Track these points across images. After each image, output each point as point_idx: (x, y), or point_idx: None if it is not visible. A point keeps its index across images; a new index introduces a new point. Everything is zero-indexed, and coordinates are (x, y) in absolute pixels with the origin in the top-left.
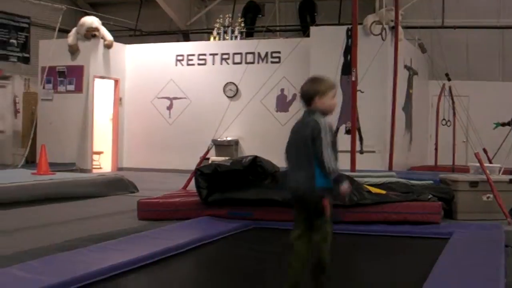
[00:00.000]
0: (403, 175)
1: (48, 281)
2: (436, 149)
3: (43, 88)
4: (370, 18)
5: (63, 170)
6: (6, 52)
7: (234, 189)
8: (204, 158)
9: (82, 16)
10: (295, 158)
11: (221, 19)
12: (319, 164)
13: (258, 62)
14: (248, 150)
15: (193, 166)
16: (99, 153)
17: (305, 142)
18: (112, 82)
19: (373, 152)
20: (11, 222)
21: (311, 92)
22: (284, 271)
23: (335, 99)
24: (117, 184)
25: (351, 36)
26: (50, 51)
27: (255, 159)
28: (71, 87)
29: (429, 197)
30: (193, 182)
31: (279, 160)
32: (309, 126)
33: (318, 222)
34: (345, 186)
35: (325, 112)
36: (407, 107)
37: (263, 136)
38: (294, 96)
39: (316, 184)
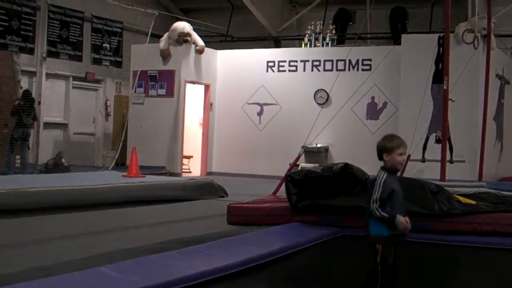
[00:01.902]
0: (493, 185)
1: (140, 282)
2: None
3: (134, 92)
4: (462, 26)
5: (153, 173)
6: (99, 56)
7: (324, 195)
8: (295, 164)
9: (174, 22)
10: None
11: (312, 26)
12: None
13: (349, 70)
14: (337, 157)
15: (282, 172)
16: (189, 157)
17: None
18: (203, 87)
19: (463, 162)
20: (102, 223)
21: (380, 148)
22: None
23: (403, 157)
24: (207, 188)
25: (442, 44)
26: (142, 56)
27: (346, 166)
28: (162, 92)
29: None
30: (283, 188)
31: (369, 168)
32: (372, 181)
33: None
34: (399, 220)
35: (392, 168)
36: (498, 116)
37: (353, 144)
38: (385, 104)
39: (371, 232)
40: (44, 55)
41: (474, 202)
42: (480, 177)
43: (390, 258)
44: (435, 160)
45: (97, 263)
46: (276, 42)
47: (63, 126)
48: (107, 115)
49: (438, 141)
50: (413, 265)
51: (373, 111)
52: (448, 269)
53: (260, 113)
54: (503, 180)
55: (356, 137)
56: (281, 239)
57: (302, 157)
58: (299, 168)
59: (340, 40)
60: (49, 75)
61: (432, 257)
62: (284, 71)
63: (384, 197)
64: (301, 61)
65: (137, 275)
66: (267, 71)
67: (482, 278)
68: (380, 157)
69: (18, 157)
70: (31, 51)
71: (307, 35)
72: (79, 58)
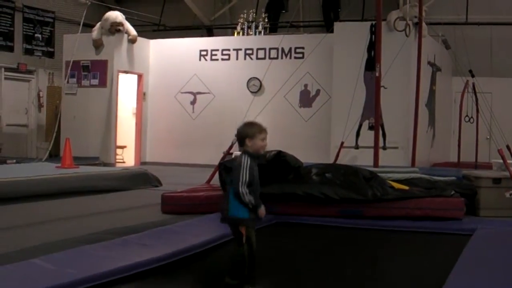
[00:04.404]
0: (426, 171)
1: (72, 274)
2: (459, 145)
3: (67, 82)
4: (393, 14)
5: (87, 164)
6: (31, 47)
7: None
8: (228, 153)
9: (107, 11)
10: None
11: (245, 15)
12: (236, 197)
13: (281, 58)
14: (271, 145)
15: (216, 161)
16: (122, 147)
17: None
18: (136, 76)
19: (396, 148)
20: (35, 215)
21: (242, 135)
22: (304, 265)
23: (265, 142)
24: (140, 178)
25: (374, 32)
26: (74, 46)
27: (279, 154)
28: (95, 82)
29: (452, 193)
30: (216, 176)
31: (302, 155)
32: (235, 165)
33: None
34: (261, 211)
35: (255, 152)
36: (430, 103)
37: (286, 131)
38: (318, 91)
39: (231, 214)
40: None
41: (407, 188)
42: (413, 163)
43: (253, 239)
44: (369, 147)
45: (30, 255)
46: (209, 31)
47: None
48: (40, 106)
49: (371, 127)
50: (347, 250)
51: (306, 98)
52: (381, 254)
53: (193, 102)
54: (435, 166)
55: (289, 125)
56: (215, 227)
57: (236, 145)
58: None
59: (272, 29)
60: None
61: (366, 243)
62: (217, 59)
63: (250, 182)
64: (234, 49)
65: (71, 267)
66: (200, 60)
67: (415, 261)
68: (242, 143)
69: None
70: None
71: (239, 23)
72: (10, 49)
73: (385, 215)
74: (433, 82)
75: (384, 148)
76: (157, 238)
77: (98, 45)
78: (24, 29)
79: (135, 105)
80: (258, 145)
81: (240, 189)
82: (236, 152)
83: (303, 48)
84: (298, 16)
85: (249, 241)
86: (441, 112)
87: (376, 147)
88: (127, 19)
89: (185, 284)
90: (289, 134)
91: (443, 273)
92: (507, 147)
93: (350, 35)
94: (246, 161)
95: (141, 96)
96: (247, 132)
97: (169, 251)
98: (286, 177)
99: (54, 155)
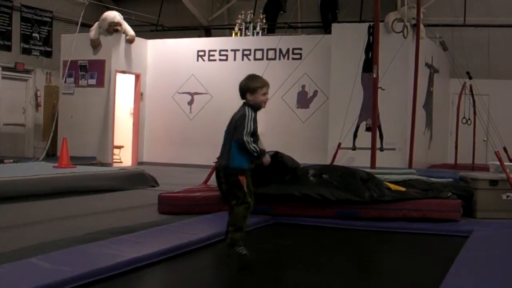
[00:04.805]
0: (423, 172)
1: (69, 272)
2: (456, 147)
3: (65, 82)
4: (391, 16)
5: (84, 163)
6: (28, 46)
7: (255, 184)
8: None
9: (105, 11)
10: (226, 140)
11: (243, 15)
12: (239, 147)
13: (279, 59)
14: (268, 146)
15: (213, 161)
16: (119, 147)
17: (234, 128)
18: (133, 77)
19: (393, 149)
20: (32, 215)
21: (244, 88)
22: (301, 265)
23: (266, 96)
24: (137, 178)
25: (372, 33)
26: (72, 45)
27: (277, 155)
28: (92, 81)
29: (449, 194)
30: (213, 177)
31: (299, 156)
32: (238, 116)
33: (237, 193)
34: (266, 158)
35: (255, 106)
36: (428, 105)
37: (284, 132)
38: (315, 92)
39: (234, 164)
40: None
41: (404, 189)
42: (410, 165)
43: (250, 184)
44: (366, 148)
45: (27, 254)
46: (207, 32)
47: None
48: (38, 105)
49: (368, 129)
50: (344, 251)
51: (304, 99)
52: (378, 255)
53: (190, 103)
54: (432, 167)
55: (287, 126)
56: (211, 227)
57: None
58: None
59: (270, 29)
60: None
61: (363, 244)
62: (215, 60)
63: (254, 132)
64: (232, 50)
65: (68, 265)
66: (197, 60)
67: (411, 262)
68: (243, 96)
69: None
70: None
71: (237, 24)
72: (8, 48)
73: (382, 217)
74: (430, 83)
75: (381, 149)
76: (153, 237)
77: (96, 45)
78: (22, 29)
79: (132, 105)
80: (259, 100)
81: (245, 138)
82: None
83: (300, 49)
84: (296, 17)
85: (250, 188)
86: (439, 114)
87: (373, 149)
88: (125, 19)
89: (182, 280)
90: (286, 135)
91: (439, 274)
92: (504, 149)
93: (348, 36)
94: (250, 113)
95: (139, 96)
96: (249, 86)
97: (164, 247)
98: (283, 178)
99: (51, 155)
